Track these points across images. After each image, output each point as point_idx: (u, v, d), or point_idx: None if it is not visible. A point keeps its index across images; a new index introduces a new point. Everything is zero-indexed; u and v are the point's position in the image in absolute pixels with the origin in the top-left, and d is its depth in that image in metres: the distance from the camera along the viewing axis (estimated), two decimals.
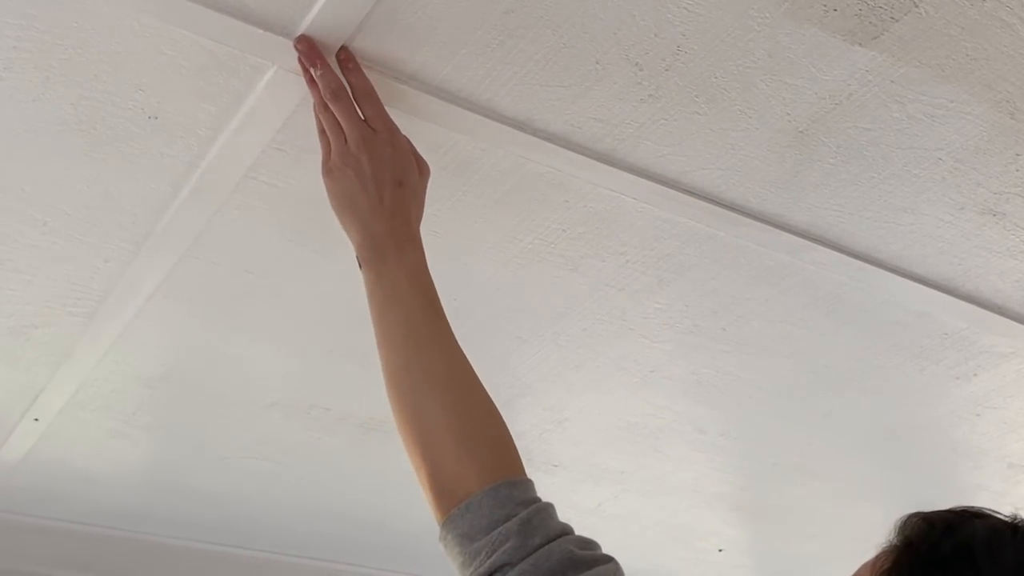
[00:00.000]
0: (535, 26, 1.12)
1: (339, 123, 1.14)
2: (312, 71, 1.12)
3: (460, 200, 1.41)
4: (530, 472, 2.16)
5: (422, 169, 1.20)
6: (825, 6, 1.10)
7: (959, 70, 1.19)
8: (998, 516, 0.96)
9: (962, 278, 1.58)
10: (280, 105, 1.22)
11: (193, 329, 1.66)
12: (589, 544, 1.03)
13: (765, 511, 2.42)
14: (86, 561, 2.31)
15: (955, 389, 1.88)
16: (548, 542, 1.00)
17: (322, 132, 1.17)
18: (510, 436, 1.12)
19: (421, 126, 1.25)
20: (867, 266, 1.53)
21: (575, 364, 1.80)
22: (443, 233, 1.47)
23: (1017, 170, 1.35)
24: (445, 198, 1.40)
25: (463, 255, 1.52)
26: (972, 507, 0.98)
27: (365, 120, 1.14)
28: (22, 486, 2.10)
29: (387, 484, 2.18)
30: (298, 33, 1.12)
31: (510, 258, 1.53)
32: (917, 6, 1.10)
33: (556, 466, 2.14)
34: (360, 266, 1.17)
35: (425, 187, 1.20)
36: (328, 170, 1.16)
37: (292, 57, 1.14)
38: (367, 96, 1.14)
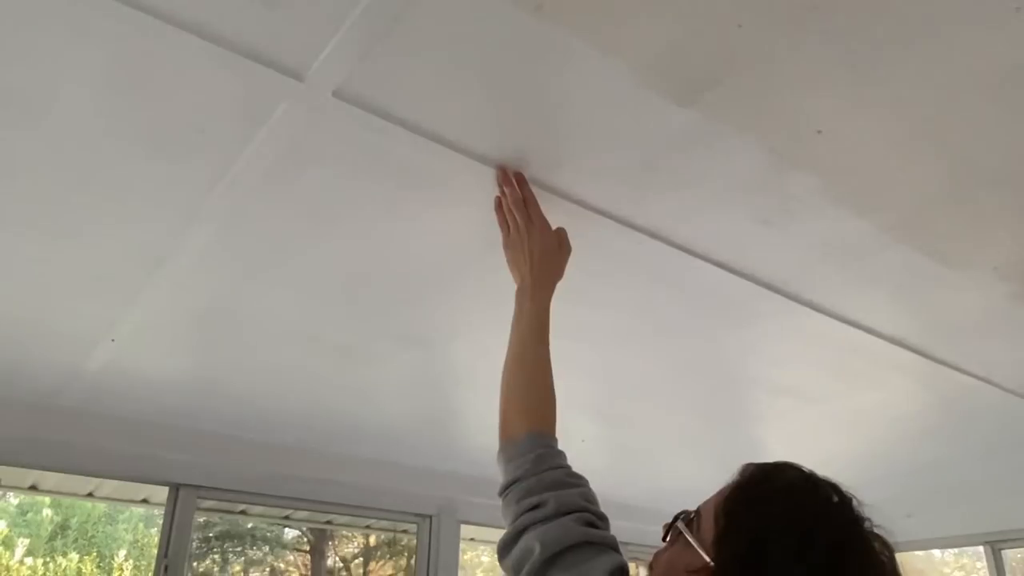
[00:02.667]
0: (473, 87, 1.12)
1: (515, 216, 1.30)
2: (504, 187, 1.30)
3: (416, 197, 1.40)
4: (458, 389, 2.18)
5: (563, 249, 1.33)
6: (660, 78, 1.12)
7: (747, 126, 1.22)
8: (802, 469, 0.92)
9: (743, 263, 1.61)
10: (291, 127, 1.20)
11: (228, 280, 1.63)
12: (577, 475, 1.09)
13: (617, 417, 2.44)
14: (148, 442, 2.26)
15: (736, 335, 1.92)
16: (550, 469, 1.07)
17: (503, 222, 1.33)
18: (554, 411, 1.21)
19: (390, 145, 1.24)
20: (685, 254, 1.55)
21: (492, 315, 1.75)
22: (405, 219, 1.45)
23: (781, 194, 1.38)
24: (407, 196, 1.39)
25: (418, 234, 1.51)
26: (790, 462, 0.94)
27: (529, 215, 1.30)
28: (101, 388, 2.05)
29: (358, 393, 2.17)
30: (306, 79, 1.10)
31: (449, 238, 1.52)
32: (721, 83, 1.13)
33: (476, 384, 2.13)
34: (515, 299, 1.30)
35: (564, 260, 1.33)
36: (506, 244, 1.33)
37: (301, 94, 1.12)
38: (532, 202, 1.30)
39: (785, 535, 0.82)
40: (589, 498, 1.04)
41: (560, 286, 1.67)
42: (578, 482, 1.07)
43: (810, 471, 0.92)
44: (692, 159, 1.30)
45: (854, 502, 0.88)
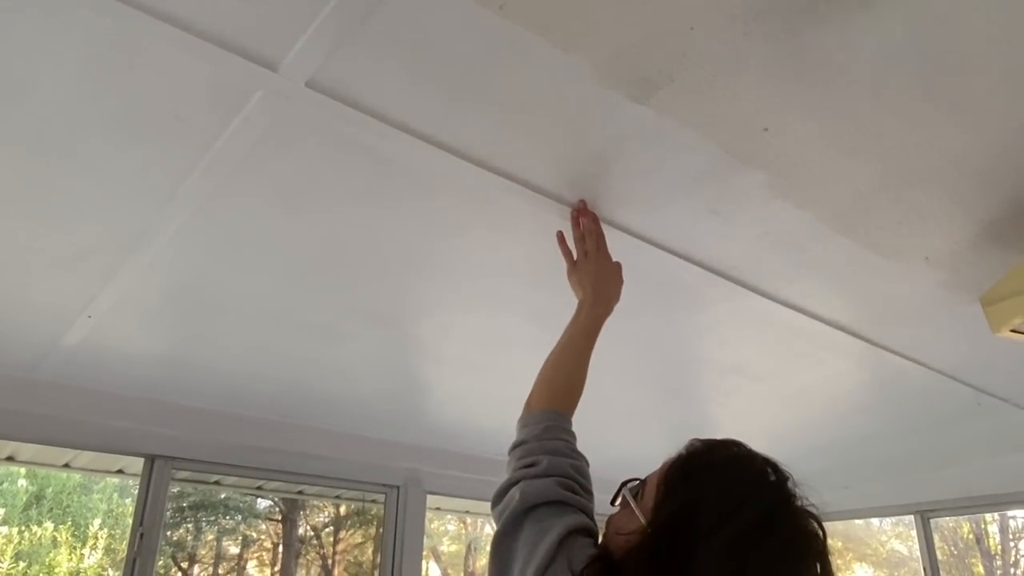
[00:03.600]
0: (439, 71, 1.14)
1: (586, 245, 1.40)
2: (581, 218, 1.42)
3: (385, 185, 1.41)
4: (426, 364, 2.20)
5: (619, 280, 1.42)
6: (617, 77, 1.15)
7: (698, 122, 1.25)
8: (745, 447, 0.94)
9: (695, 251, 1.65)
10: (265, 115, 1.20)
11: (202, 260, 1.63)
12: (578, 452, 1.14)
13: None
14: (123, 415, 2.25)
15: (688, 319, 1.96)
16: (554, 439, 1.11)
17: (566, 251, 1.44)
18: (576, 401, 1.25)
19: (360, 135, 1.25)
20: (639, 241, 1.59)
21: (457, 296, 1.82)
22: (372, 206, 1.47)
23: (729, 187, 1.42)
24: (375, 183, 1.40)
25: (386, 220, 1.52)
26: (734, 439, 0.96)
27: (598, 245, 1.41)
28: (78, 363, 2.04)
29: (329, 369, 2.18)
30: (280, 69, 1.11)
31: (418, 224, 1.53)
32: (673, 80, 1.16)
33: (442, 360, 2.17)
34: (577, 310, 1.36)
35: (620, 289, 1.41)
36: (572, 270, 1.41)
37: (274, 84, 1.13)
38: (599, 234, 1.42)
39: (716, 501, 0.84)
40: (581, 472, 1.09)
41: (518, 268, 1.70)
42: (575, 455, 1.11)
43: (751, 449, 0.94)
44: (646, 152, 1.33)
45: (790, 481, 0.89)
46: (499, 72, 1.14)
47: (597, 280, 1.36)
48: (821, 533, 0.87)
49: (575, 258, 1.41)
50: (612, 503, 0.99)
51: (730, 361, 2.24)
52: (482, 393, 2.39)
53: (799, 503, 0.88)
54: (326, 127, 1.24)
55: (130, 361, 2.04)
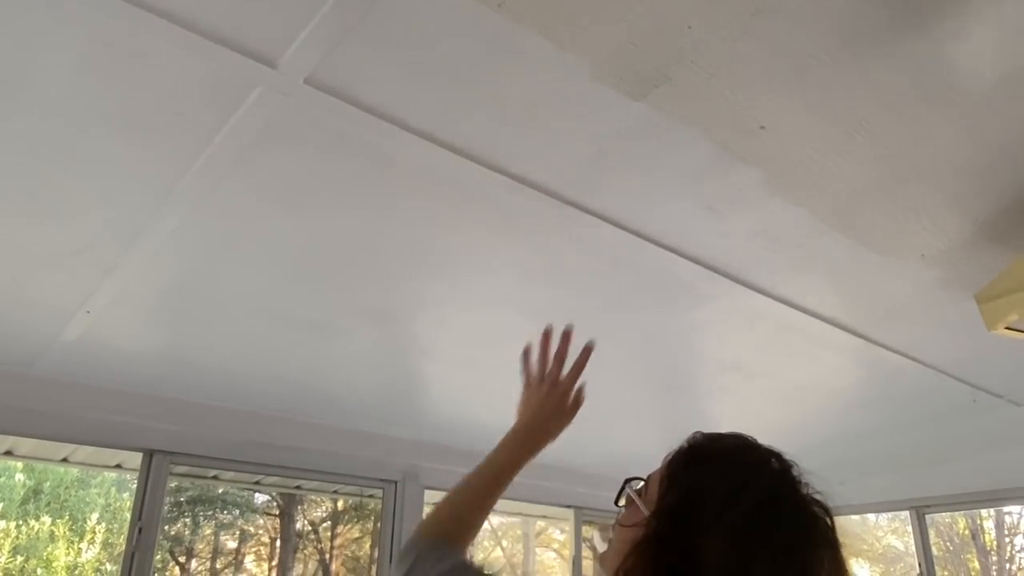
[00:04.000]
0: (440, 70, 1.14)
1: (550, 368, 1.17)
2: (545, 342, 1.18)
3: (383, 182, 1.41)
4: (423, 360, 2.19)
5: (565, 417, 1.18)
6: (614, 75, 1.15)
7: (694, 120, 1.26)
8: (746, 437, 0.90)
9: (690, 248, 1.66)
10: (263, 112, 1.21)
11: (200, 256, 1.63)
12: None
13: None
14: (122, 410, 2.25)
15: (684, 316, 1.97)
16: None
17: (527, 367, 1.20)
18: (470, 535, 1.12)
19: (360, 132, 1.26)
20: (635, 237, 1.59)
21: (453, 293, 1.83)
22: (371, 203, 1.47)
23: (725, 184, 1.43)
24: (373, 180, 1.40)
25: (383, 218, 1.53)
26: (737, 432, 0.92)
27: (557, 375, 1.16)
28: (77, 358, 2.04)
29: (326, 365, 2.18)
30: (279, 65, 1.11)
31: (415, 222, 1.54)
32: (670, 79, 1.17)
33: (440, 357, 2.17)
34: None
35: (558, 428, 1.18)
36: (527, 385, 1.19)
37: (273, 81, 1.13)
38: (560, 362, 1.16)
39: (718, 488, 0.82)
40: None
41: (515, 264, 1.70)
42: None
43: (754, 439, 0.92)
44: (643, 149, 1.34)
45: (794, 468, 0.87)
46: (498, 70, 1.15)
47: (540, 410, 1.17)
48: (830, 522, 0.85)
49: (531, 378, 1.21)
50: (616, 503, 0.99)
51: (727, 357, 2.25)
52: (478, 388, 2.39)
53: (805, 491, 0.86)
54: (325, 124, 1.24)
55: (128, 357, 2.04)
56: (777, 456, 0.88)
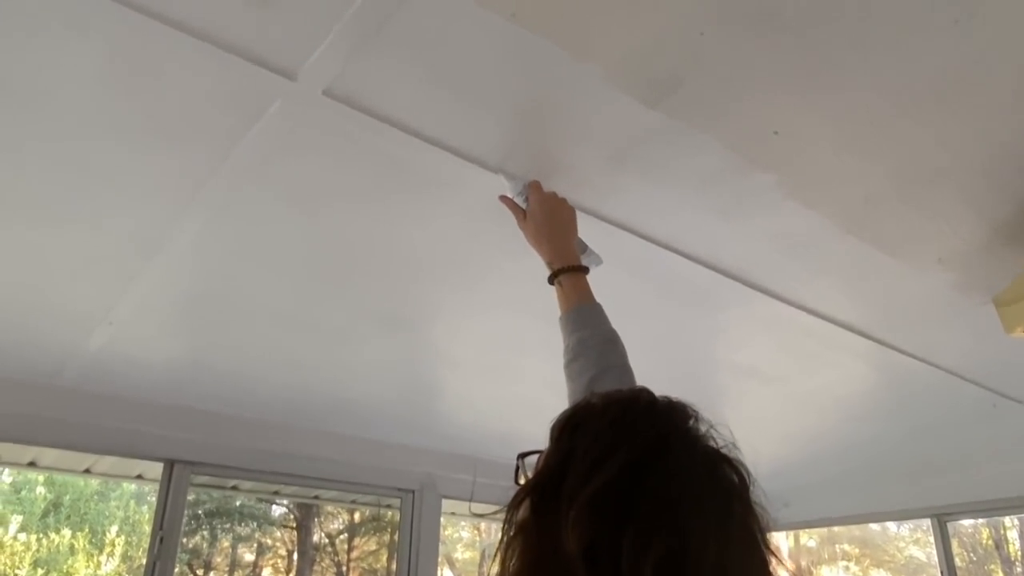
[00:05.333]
0: (450, 85, 1.16)
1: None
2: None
3: (401, 188, 1.44)
4: (439, 367, 2.21)
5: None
6: (627, 81, 1.17)
7: (708, 126, 1.27)
8: (641, 394, 0.77)
9: (707, 254, 1.67)
10: (283, 122, 1.23)
11: (219, 265, 1.65)
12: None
13: None
14: (143, 420, 2.27)
15: (701, 321, 1.98)
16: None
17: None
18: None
19: (375, 140, 1.28)
20: (651, 244, 1.60)
21: (471, 299, 1.84)
22: (388, 208, 1.49)
23: (739, 189, 1.44)
24: (391, 186, 1.42)
25: (400, 223, 1.55)
26: (638, 388, 0.79)
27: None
28: (99, 368, 2.07)
29: (343, 372, 2.19)
30: (298, 78, 1.13)
31: (431, 227, 1.56)
32: (684, 85, 1.18)
33: (457, 364, 2.18)
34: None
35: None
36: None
37: (293, 92, 1.16)
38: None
39: (589, 451, 0.69)
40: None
41: (529, 271, 1.71)
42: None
43: (652, 395, 0.77)
44: (657, 156, 1.35)
45: (696, 424, 0.73)
46: (511, 78, 1.17)
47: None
48: (736, 479, 0.70)
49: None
50: (516, 482, 0.83)
51: (743, 363, 2.25)
52: (496, 396, 2.40)
53: (702, 441, 0.71)
54: (342, 134, 1.27)
55: (149, 366, 2.07)
56: (675, 410, 0.74)
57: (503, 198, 1.41)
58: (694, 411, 0.75)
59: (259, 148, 1.28)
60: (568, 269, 1.30)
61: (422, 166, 1.36)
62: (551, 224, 1.34)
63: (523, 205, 1.39)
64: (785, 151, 1.33)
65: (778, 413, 2.60)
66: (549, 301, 1.82)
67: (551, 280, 1.32)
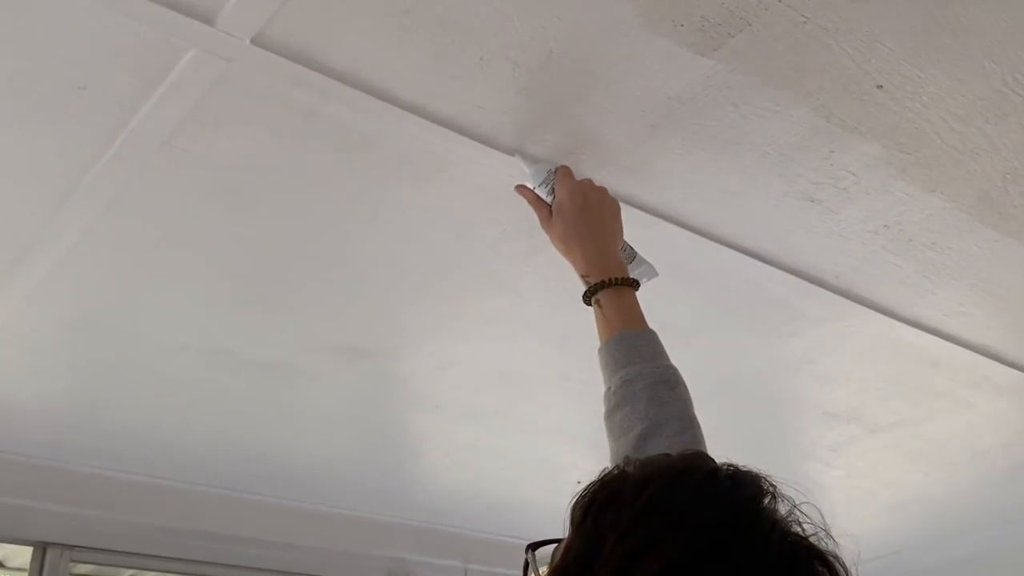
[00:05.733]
0: (429, 26, 1.18)
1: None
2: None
3: (362, 172, 1.45)
4: (414, 412, 2.22)
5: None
6: (673, 21, 1.19)
7: (784, 79, 1.29)
8: (699, 458, 0.80)
9: (784, 253, 1.68)
10: (198, 82, 1.24)
11: (111, 277, 1.66)
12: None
13: None
14: (5, 489, 2.27)
15: (778, 347, 1.98)
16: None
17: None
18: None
19: (326, 107, 1.30)
20: (706, 240, 1.61)
21: (456, 317, 1.85)
22: (344, 200, 1.51)
23: (831, 164, 1.46)
24: (348, 170, 1.44)
25: (361, 219, 1.57)
26: (698, 451, 0.85)
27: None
28: None
29: (283, 422, 2.21)
30: (217, 21, 1.15)
31: (403, 224, 1.57)
32: (750, 25, 1.20)
33: (438, 407, 2.18)
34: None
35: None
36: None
37: (211, 41, 1.17)
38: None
39: (621, 544, 0.70)
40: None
41: (545, 286, 1.72)
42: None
43: (707, 462, 0.78)
44: (714, 121, 1.36)
45: (768, 499, 0.73)
46: (513, 22, 1.18)
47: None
48: None
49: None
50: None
51: (838, 404, 2.25)
52: (492, 450, 2.40)
53: (781, 529, 0.72)
54: (280, 98, 1.28)
55: (14, 416, 2.07)
56: (742, 485, 0.74)
57: (521, 188, 1.43)
58: (770, 486, 0.74)
59: (165, 119, 1.29)
60: (611, 283, 1.32)
61: (393, 143, 1.37)
62: (587, 222, 1.36)
63: (547, 198, 1.41)
64: (893, 112, 1.35)
65: (888, 473, 2.60)
66: (567, 323, 1.84)
67: (587, 298, 1.34)
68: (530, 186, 1.42)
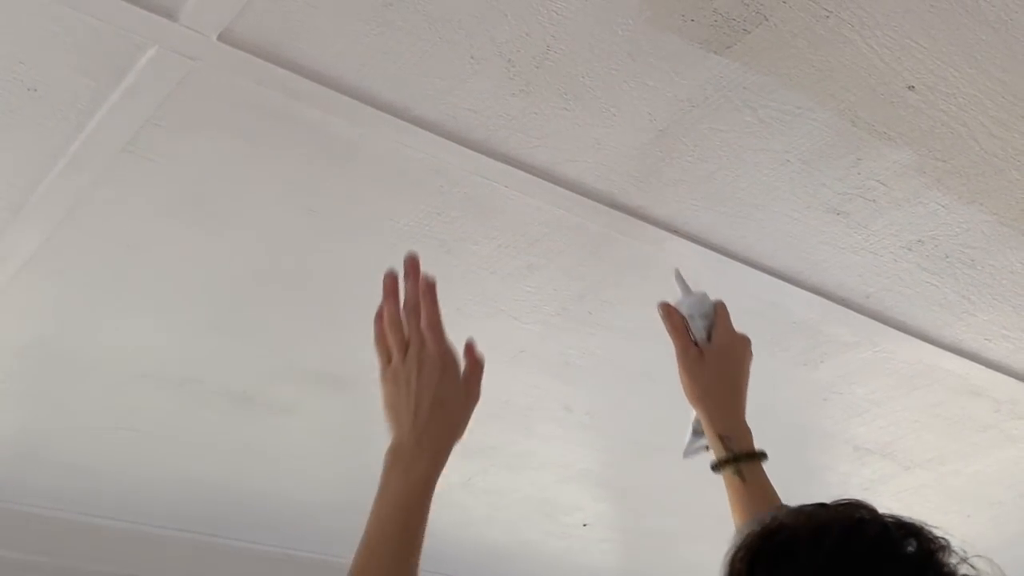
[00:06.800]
0: (412, 19, 1.18)
1: (403, 335, 1.24)
2: (387, 298, 1.26)
3: (339, 181, 1.45)
4: None
5: (469, 397, 1.28)
6: (683, 16, 1.19)
7: (806, 79, 1.29)
8: (862, 508, 0.88)
9: (809, 271, 1.67)
10: (160, 83, 1.24)
11: (67, 298, 1.66)
12: None
13: (628, 488, 2.46)
14: None
15: (803, 375, 1.97)
16: None
17: (382, 341, 1.27)
18: None
19: (301, 110, 1.30)
20: (722, 257, 1.61)
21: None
22: (321, 212, 1.51)
23: (859, 173, 1.46)
24: (324, 179, 1.44)
25: (340, 233, 1.57)
26: (854, 499, 0.89)
27: (424, 339, 1.24)
28: None
29: (256, 459, 2.20)
30: (181, 16, 1.15)
31: (386, 239, 1.57)
32: (767, 19, 1.20)
33: None
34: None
35: (468, 415, 1.29)
36: (385, 377, 1.26)
37: (174, 37, 1.17)
38: (434, 322, 1.24)
39: None
40: None
41: (545, 307, 1.72)
42: None
43: (872, 511, 0.87)
44: (728, 126, 1.36)
45: (944, 553, 0.81)
46: (505, 17, 1.18)
47: (427, 406, 1.23)
48: None
49: (389, 358, 1.28)
50: None
51: (869, 438, 2.24)
52: (487, 489, 2.39)
53: None
54: (250, 99, 1.28)
55: None
56: (920, 538, 0.83)
57: (667, 309, 1.45)
58: (943, 540, 0.82)
59: (125, 124, 1.29)
60: (751, 456, 1.40)
61: (375, 149, 1.37)
62: (732, 377, 1.44)
63: (698, 333, 1.43)
64: (927, 116, 1.35)
65: (926, 515, 2.53)
66: (570, 349, 1.84)
67: (718, 467, 1.41)
68: (683, 310, 1.45)
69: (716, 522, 2.73)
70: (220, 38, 1.19)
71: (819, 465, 2.37)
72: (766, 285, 1.68)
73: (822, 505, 0.87)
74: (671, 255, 1.60)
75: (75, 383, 1.89)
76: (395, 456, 1.22)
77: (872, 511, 0.86)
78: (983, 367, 1.94)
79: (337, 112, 1.30)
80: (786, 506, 0.88)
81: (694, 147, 1.40)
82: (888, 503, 2.52)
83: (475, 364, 1.28)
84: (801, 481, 2.47)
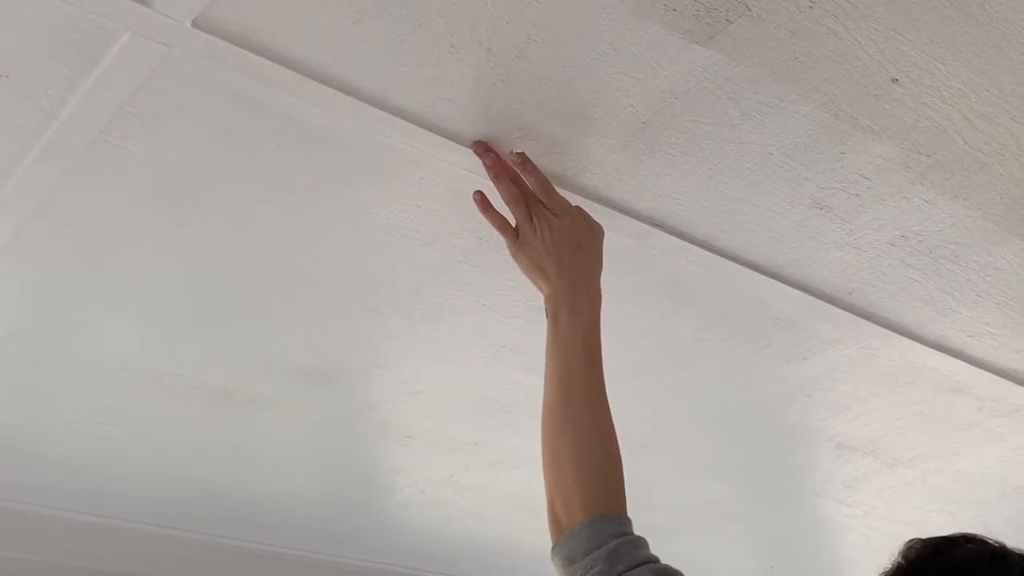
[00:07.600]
0: (390, 7, 1.17)
1: (525, 209, 1.37)
2: (496, 177, 1.37)
3: (317, 172, 1.44)
4: (384, 443, 2.22)
5: (595, 232, 1.41)
6: (665, 6, 1.17)
7: (788, 71, 1.28)
8: (987, 541, 0.99)
9: (792, 267, 1.66)
10: (134, 70, 1.23)
11: (41, 291, 1.65)
12: (667, 572, 1.17)
13: None
14: None
15: (787, 371, 1.96)
16: (630, 568, 1.15)
17: (499, 220, 1.41)
18: (621, 477, 1.30)
19: (278, 99, 1.29)
20: (704, 252, 1.60)
21: (428, 337, 1.83)
22: (299, 204, 1.50)
23: (842, 167, 1.45)
24: (302, 169, 1.43)
25: (318, 226, 1.55)
26: (968, 533, 1.00)
27: (542, 203, 1.38)
28: None
29: (236, 453, 2.20)
30: (154, 1, 1.13)
31: (366, 231, 1.56)
32: (750, 10, 1.18)
33: (409, 437, 2.17)
34: (547, 316, 1.39)
35: (601, 245, 1.42)
36: (518, 247, 1.39)
37: (148, 23, 1.16)
38: (545, 187, 1.38)
39: None
40: None
41: (528, 302, 1.71)
42: None
43: (999, 544, 0.98)
44: (711, 119, 1.35)
45: None
46: (486, 5, 1.17)
47: (568, 255, 1.36)
48: None
49: (516, 228, 1.40)
50: None
51: (852, 435, 2.24)
52: (471, 486, 2.39)
53: None
54: (226, 87, 1.27)
55: None
56: None
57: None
58: None
59: (98, 112, 1.28)
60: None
61: (353, 139, 1.36)
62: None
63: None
64: (910, 109, 1.34)
65: (910, 513, 2.59)
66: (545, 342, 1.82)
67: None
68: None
69: (701, 518, 2.75)
70: (195, 24, 1.17)
71: (802, 462, 2.37)
72: (749, 280, 1.67)
73: (946, 540, 1.00)
74: (652, 249, 1.59)
75: (51, 377, 1.88)
76: (556, 302, 1.36)
77: (983, 542, 0.99)
78: (967, 364, 1.94)
79: (314, 101, 1.29)
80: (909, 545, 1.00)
81: (676, 140, 1.39)
82: (871, 501, 2.56)
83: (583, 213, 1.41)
84: (783, 479, 2.48)
